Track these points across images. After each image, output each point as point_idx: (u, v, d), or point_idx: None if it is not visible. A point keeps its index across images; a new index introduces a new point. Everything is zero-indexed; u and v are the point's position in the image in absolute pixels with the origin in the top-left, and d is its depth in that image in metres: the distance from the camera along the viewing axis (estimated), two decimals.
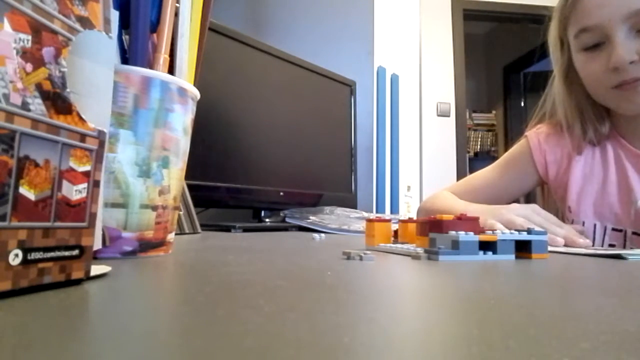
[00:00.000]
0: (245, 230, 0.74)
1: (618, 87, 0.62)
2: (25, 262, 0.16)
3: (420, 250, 0.35)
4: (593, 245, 0.66)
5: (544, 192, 0.86)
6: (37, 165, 0.17)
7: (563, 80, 0.71)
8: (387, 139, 1.61)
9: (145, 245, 0.31)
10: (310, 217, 0.84)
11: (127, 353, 0.10)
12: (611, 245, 0.67)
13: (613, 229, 0.67)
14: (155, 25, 0.34)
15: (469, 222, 0.37)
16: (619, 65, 0.59)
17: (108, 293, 0.18)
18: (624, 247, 0.65)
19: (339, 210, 0.92)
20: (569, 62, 0.69)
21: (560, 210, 0.78)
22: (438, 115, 2.91)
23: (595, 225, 0.69)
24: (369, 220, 0.44)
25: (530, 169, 0.78)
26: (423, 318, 0.15)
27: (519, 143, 0.81)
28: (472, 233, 0.34)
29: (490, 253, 0.35)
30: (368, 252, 0.33)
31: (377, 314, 0.15)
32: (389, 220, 0.44)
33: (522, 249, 0.36)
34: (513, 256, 0.36)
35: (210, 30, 0.40)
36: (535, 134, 0.78)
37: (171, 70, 0.34)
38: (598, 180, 0.70)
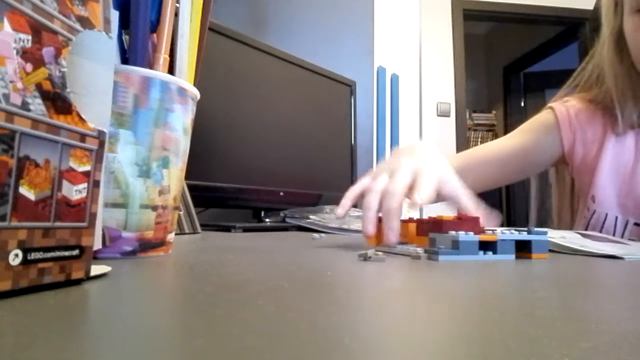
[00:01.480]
0: (245, 230, 0.74)
1: None
2: (25, 262, 0.16)
3: (420, 250, 0.35)
4: (614, 235, 0.63)
5: (558, 174, 0.79)
6: (37, 165, 0.17)
7: (614, 46, 0.62)
8: (387, 139, 1.60)
9: (145, 245, 0.31)
10: (310, 217, 0.84)
11: (127, 353, 0.10)
12: (631, 240, 0.62)
13: (635, 224, 0.63)
14: (155, 25, 0.34)
15: (470, 222, 0.37)
16: None
17: (108, 293, 0.18)
18: None
19: None
20: (621, 25, 0.61)
21: (579, 197, 0.71)
22: (438, 115, 2.91)
23: (616, 218, 0.64)
24: None
25: (554, 142, 0.68)
26: (423, 318, 0.15)
27: (541, 114, 0.71)
28: (472, 233, 0.34)
29: (490, 253, 0.35)
30: (379, 252, 0.33)
31: (377, 314, 0.15)
32: None
33: (523, 248, 0.36)
34: (513, 256, 0.36)
35: (210, 30, 0.40)
36: (564, 106, 0.68)
37: (171, 70, 0.34)
38: (626, 170, 0.64)
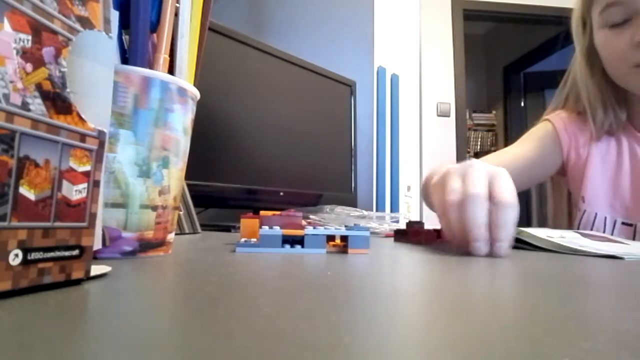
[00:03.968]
0: None
1: None
2: (25, 262, 0.16)
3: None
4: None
5: (553, 184, 0.84)
6: (37, 165, 0.17)
7: (585, 61, 0.69)
8: (387, 139, 1.61)
9: (145, 246, 0.31)
10: (311, 217, 0.84)
11: (127, 353, 0.10)
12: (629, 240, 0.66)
13: (623, 223, 0.67)
14: (155, 25, 0.34)
15: (289, 219, 0.40)
16: None
17: (108, 293, 0.18)
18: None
19: (339, 209, 0.92)
20: (590, 42, 0.68)
21: (572, 201, 0.76)
22: (438, 115, 2.91)
23: (605, 218, 0.68)
24: (242, 217, 0.47)
25: (555, 149, 0.74)
26: (423, 317, 0.15)
27: (540, 125, 0.77)
28: (278, 227, 0.37)
29: (298, 247, 0.37)
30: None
31: (377, 313, 0.15)
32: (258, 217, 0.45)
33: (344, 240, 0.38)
34: (324, 250, 0.37)
35: (210, 30, 0.40)
36: (559, 117, 0.75)
37: (171, 70, 0.34)
38: (611, 171, 0.69)
